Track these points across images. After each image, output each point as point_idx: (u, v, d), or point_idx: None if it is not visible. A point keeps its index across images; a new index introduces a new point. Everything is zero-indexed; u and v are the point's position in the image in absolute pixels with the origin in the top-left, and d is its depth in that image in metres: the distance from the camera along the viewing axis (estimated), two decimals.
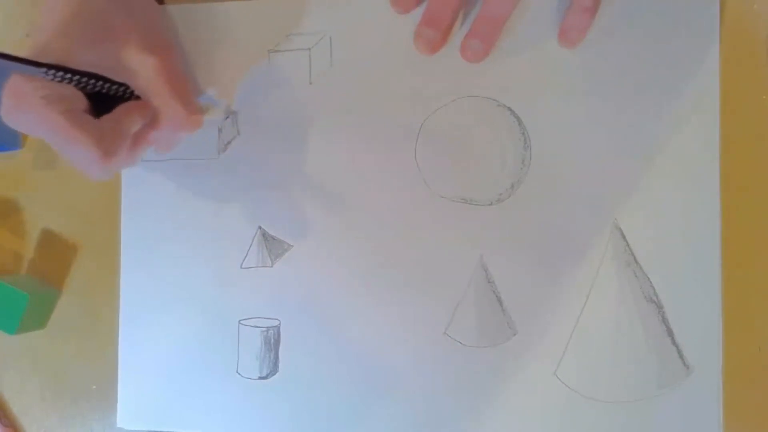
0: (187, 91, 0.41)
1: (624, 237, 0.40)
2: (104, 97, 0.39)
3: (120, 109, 0.39)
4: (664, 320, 0.40)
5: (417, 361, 0.42)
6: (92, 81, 0.38)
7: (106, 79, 0.39)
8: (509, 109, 0.42)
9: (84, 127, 0.36)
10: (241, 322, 0.45)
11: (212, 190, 0.45)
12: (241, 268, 0.45)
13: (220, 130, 0.45)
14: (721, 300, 0.39)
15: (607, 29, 0.40)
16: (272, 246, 0.45)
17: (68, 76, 0.36)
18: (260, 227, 0.45)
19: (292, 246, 0.44)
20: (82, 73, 0.37)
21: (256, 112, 0.45)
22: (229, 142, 0.45)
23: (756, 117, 0.39)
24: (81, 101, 0.38)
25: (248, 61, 0.45)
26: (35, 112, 0.35)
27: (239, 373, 0.45)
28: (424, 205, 0.43)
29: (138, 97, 0.40)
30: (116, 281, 0.47)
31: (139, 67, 0.39)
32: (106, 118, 0.38)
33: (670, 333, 0.39)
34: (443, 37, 0.42)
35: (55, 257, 0.48)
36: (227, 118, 0.45)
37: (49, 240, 0.48)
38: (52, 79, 0.36)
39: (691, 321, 0.39)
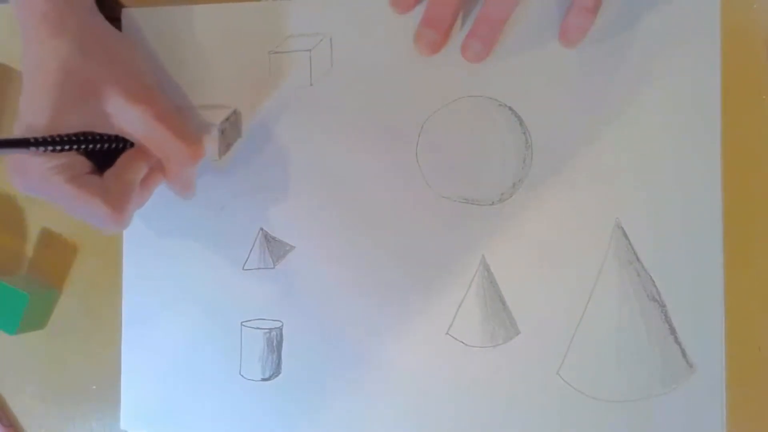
0: (182, 126, 0.40)
1: (626, 236, 0.40)
2: (106, 151, 0.40)
3: (121, 162, 0.39)
4: (667, 319, 0.39)
5: (419, 362, 0.42)
6: (87, 143, 0.38)
7: (99, 137, 0.39)
8: (510, 108, 0.42)
9: (91, 190, 0.37)
10: (244, 323, 0.45)
11: (214, 192, 0.45)
12: (243, 269, 0.45)
13: (221, 132, 0.45)
14: (723, 298, 0.39)
15: (608, 29, 0.41)
16: (274, 247, 0.44)
17: (60, 147, 0.36)
18: (262, 228, 0.45)
19: (294, 247, 0.44)
20: (73, 139, 0.37)
21: (258, 114, 0.45)
22: (230, 144, 0.45)
23: (756, 116, 0.40)
24: (84, 164, 0.38)
25: (249, 63, 0.45)
26: (42, 184, 0.37)
27: (242, 375, 0.44)
28: (425, 205, 0.43)
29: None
30: (116, 281, 0.46)
31: (129, 117, 0.39)
32: (109, 173, 0.39)
33: (672, 332, 0.39)
34: (444, 38, 0.42)
35: (55, 257, 0.47)
36: (228, 119, 0.45)
37: (49, 240, 0.48)
38: (51, 151, 0.36)
39: (693, 319, 0.39)
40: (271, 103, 0.45)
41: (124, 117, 0.39)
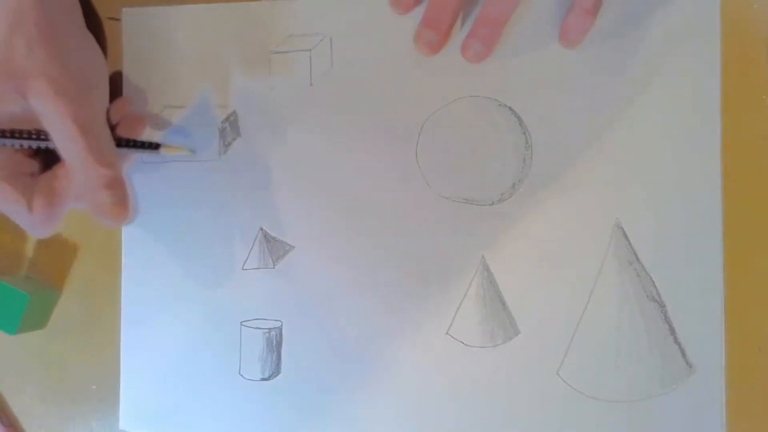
0: (101, 140, 0.38)
1: (626, 236, 0.40)
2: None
3: (58, 167, 0.39)
4: (667, 319, 0.39)
5: (419, 362, 0.42)
6: (15, 139, 0.37)
7: (26, 134, 0.38)
8: (510, 108, 0.42)
9: (19, 194, 0.37)
10: (243, 323, 0.45)
11: (213, 192, 0.45)
12: (242, 269, 0.45)
13: (221, 131, 0.45)
14: (723, 299, 0.39)
15: (608, 29, 0.41)
16: (273, 247, 0.44)
17: None
18: (261, 228, 0.45)
19: (294, 247, 0.44)
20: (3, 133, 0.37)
21: (257, 114, 0.45)
22: (230, 144, 0.45)
23: (756, 117, 0.39)
24: (24, 164, 0.38)
25: (249, 62, 0.45)
26: None
27: (241, 375, 0.44)
28: (425, 205, 0.43)
29: None
30: (116, 281, 0.46)
31: (50, 114, 0.37)
32: (43, 177, 0.38)
33: (672, 332, 0.39)
34: (443, 39, 0.42)
35: (55, 257, 0.47)
36: (227, 119, 0.45)
37: (49, 240, 0.48)
38: None
39: (693, 320, 0.39)
40: (271, 103, 0.45)
41: (44, 113, 0.37)
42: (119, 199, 0.39)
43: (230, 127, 0.45)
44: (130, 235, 0.46)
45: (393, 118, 0.43)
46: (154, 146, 0.43)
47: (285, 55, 0.45)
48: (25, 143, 0.38)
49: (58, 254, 0.47)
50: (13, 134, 0.38)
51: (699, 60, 0.40)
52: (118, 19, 0.46)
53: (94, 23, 0.46)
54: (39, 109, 0.37)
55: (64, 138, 0.37)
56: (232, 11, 0.45)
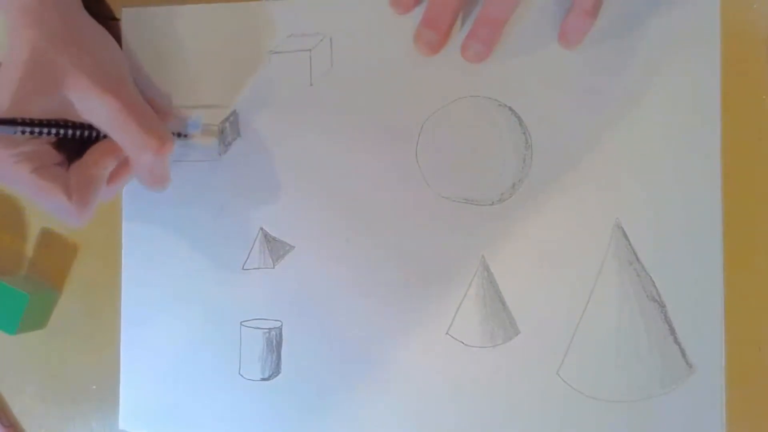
0: (150, 120, 0.40)
1: (626, 236, 0.40)
2: (78, 141, 0.39)
3: (88, 155, 0.39)
4: (667, 319, 0.40)
5: (419, 362, 0.42)
6: (57, 129, 0.38)
7: (69, 124, 0.38)
8: (510, 108, 0.42)
9: (54, 183, 0.37)
10: (243, 323, 0.45)
11: (214, 192, 0.45)
12: (242, 269, 0.45)
13: (221, 132, 0.45)
14: (723, 299, 0.39)
15: (608, 29, 0.41)
16: (274, 247, 0.44)
17: (28, 128, 0.36)
18: (262, 228, 0.45)
19: (294, 247, 0.44)
20: (42, 123, 0.37)
21: (257, 114, 0.45)
22: (230, 144, 0.45)
23: (756, 117, 0.40)
24: (50, 155, 0.38)
25: (249, 63, 0.45)
26: (5, 172, 0.37)
27: (241, 375, 0.44)
28: (425, 205, 0.43)
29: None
30: (116, 281, 0.46)
31: (94, 107, 0.38)
32: (75, 166, 0.39)
33: (672, 332, 0.39)
34: (443, 39, 0.42)
35: (55, 257, 0.47)
36: (227, 119, 0.45)
37: (49, 240, 0.48)
38: (17, 133, 0.36)
39: (693, 320, 0.39)
40: (271, 103, 0.45)
41: (90, 106, 0.38)
42: (168, 171, 0.43)
43: (230, 127, 0.45)
44: (130, 235, 0.46)
45: (393, 118, 0.43)
46: (183, 135, 0.44)
47: (285, 55, 0.45)
48: (69, 133, 0.39)
49: (58, 254, 0.47)
50: (58, 125, 0.38)
51: (699, 60, 0.40)
52: (118, 19, 0.46)
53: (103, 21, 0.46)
54: (84, 104, 0.38)
55: (119, 129, 0.38)
56: (232, 11, 0.45)
